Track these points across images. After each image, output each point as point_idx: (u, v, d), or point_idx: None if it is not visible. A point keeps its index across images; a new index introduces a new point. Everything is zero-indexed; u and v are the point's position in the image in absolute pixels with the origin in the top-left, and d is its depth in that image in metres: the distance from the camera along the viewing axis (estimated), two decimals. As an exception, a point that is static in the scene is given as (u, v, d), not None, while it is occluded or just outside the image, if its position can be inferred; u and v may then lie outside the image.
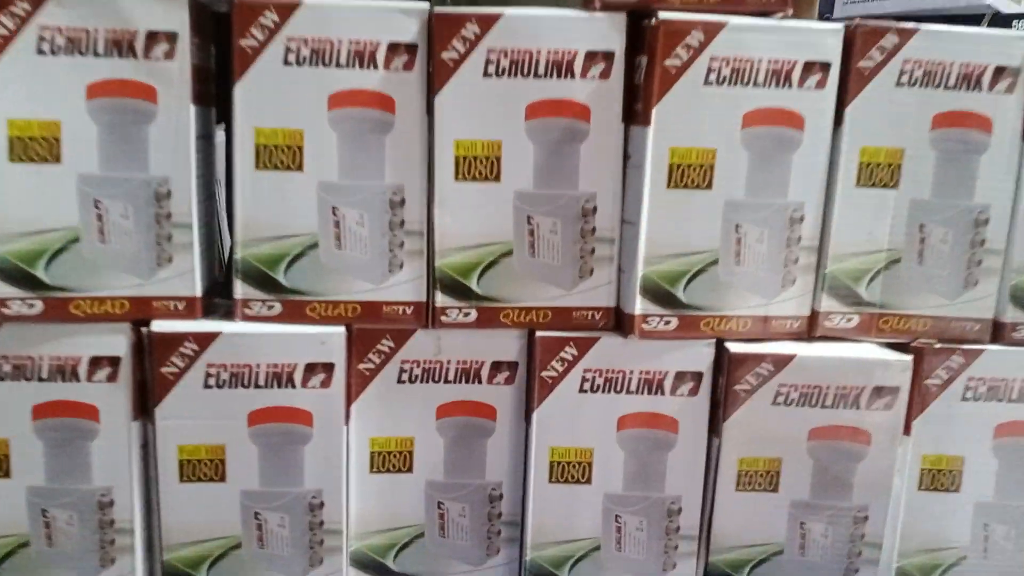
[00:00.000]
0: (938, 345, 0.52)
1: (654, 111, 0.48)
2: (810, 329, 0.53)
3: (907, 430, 0.53)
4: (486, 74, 0.48)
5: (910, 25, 0.48)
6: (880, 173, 0.50)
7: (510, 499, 0.55)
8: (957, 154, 0.50)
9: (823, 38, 0.48)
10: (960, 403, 0.52)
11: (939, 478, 0.54)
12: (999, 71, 0.49)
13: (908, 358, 0.51)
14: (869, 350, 0.52)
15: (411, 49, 0.48)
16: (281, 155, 0.49)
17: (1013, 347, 0.52)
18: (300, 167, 0.49)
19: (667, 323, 0.51)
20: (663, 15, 0.47)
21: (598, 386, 0.52)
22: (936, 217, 0.50)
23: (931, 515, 0.54)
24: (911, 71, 0.49)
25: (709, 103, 0.48)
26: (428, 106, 0.49)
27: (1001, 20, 1.15)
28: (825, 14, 1.39)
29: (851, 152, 0.50)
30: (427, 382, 0.53)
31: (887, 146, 0.50)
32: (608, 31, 0.48)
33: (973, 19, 1.19)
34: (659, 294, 0.51)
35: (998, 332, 0.53)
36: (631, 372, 0.52)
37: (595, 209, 0.51)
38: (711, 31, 0.47)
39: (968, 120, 0.49)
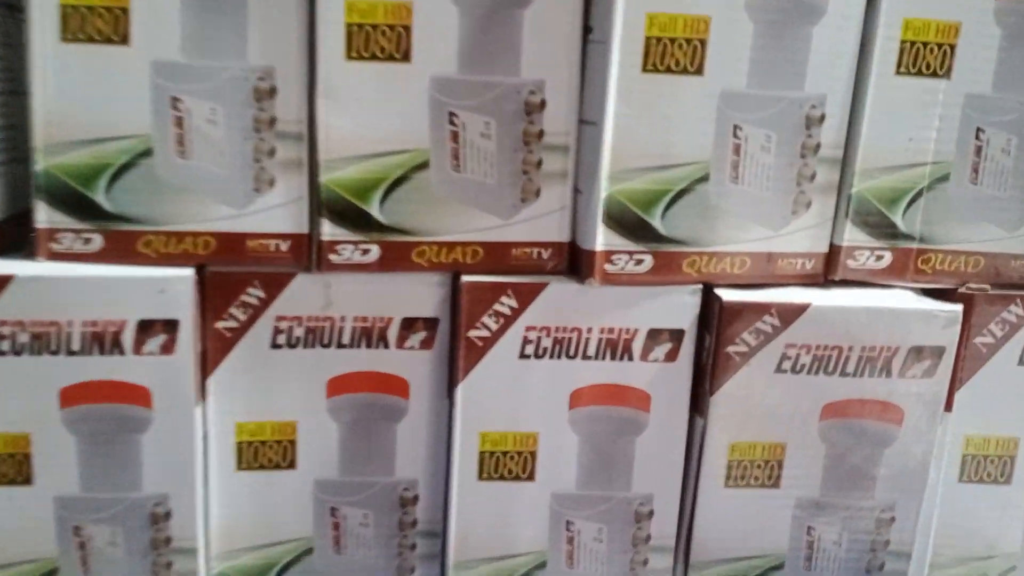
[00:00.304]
0: (992, 291, 0.40)
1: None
2: (828, 270, 0.40)
3: (948, 404, 0.40)
4: None
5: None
6: (928, 57, 0.37)
7: (428, 502, 0.42)
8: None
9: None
10: (1017, 368, 0.40)
11: (986, 466, 0.41)
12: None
13: (957, 308, 0.38)
14: (905, 298, 0.39)
15: None
16: (98, 21, 0.34)
17: (1089, 294, 0.40)
18: (125, 39, 0.35)
19: (638, 263, 0.38)
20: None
21: (545, 349, 0.38)
22: (998, 119, 0.38)
23: (974, 514, 0.42)
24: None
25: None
26: (308, -48, 0.35)
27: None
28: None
29: (891, 26, 0.36)
30: (313, 346, 0.39)
31: (939, 19, 0.37)
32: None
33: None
34: (629, 223, 0.37)
35: (1070, 274, 0.40)
36: (589, 330, 0.38)
37: (543, 104, 0.37)
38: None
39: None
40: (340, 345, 0.39)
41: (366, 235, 0.38)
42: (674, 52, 0.36)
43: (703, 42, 0.36)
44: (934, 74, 0.37)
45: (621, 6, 0.35)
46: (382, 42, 0.36)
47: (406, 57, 0.36)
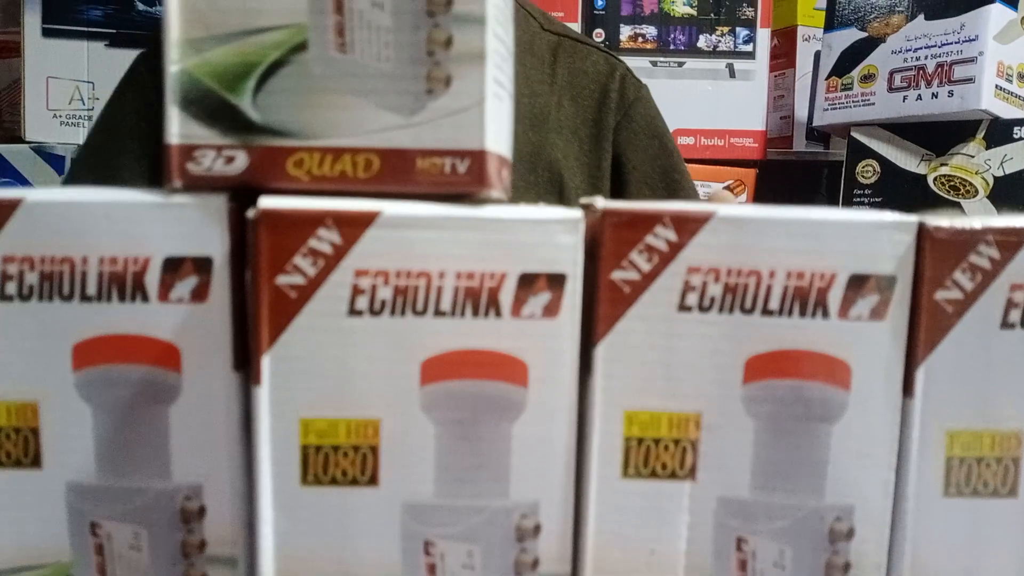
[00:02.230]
0: None
1: (265, 359, 0.29)
2: None
3: None
4: (3, 297, 0.29)
5: (696, 210, 0.28)
6: (662, 455, 0.30)
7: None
8: (791, 423, 0.29)
9: (549, 236, 0.28)
10: None
11: None
12: (857, 282, 0.29)
13: None
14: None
15: None
16: None
17: None
18: None
19: None
20: (268, 201, 0.28)
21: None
22: (763, 527, 0.30)
23: None
24: (701, 288, 0.29)
25: (362, 340, 0.29)
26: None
27: (1000, 129, 1.00)
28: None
29: (611, 420, 0.29)
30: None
31: (672, 411, 0.29)
32: (201, 226, 0.29)
33: (968, 127, 1.04)
34: None
35: None
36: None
37: (201, 511, 0.31)
38: (352, 228, 0.28)
39: (810, 366, 0.29)
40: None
41: None
42: (340, 461, 0.29)
43: (374, 449, 0.29)
44: (673, 475, 0.30)
45: (266, 406, 0.29)
46: (7, 447, 0.30)
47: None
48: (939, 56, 1.08)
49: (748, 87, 1.34)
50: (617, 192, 0.73)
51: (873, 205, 1.17)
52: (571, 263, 0.29)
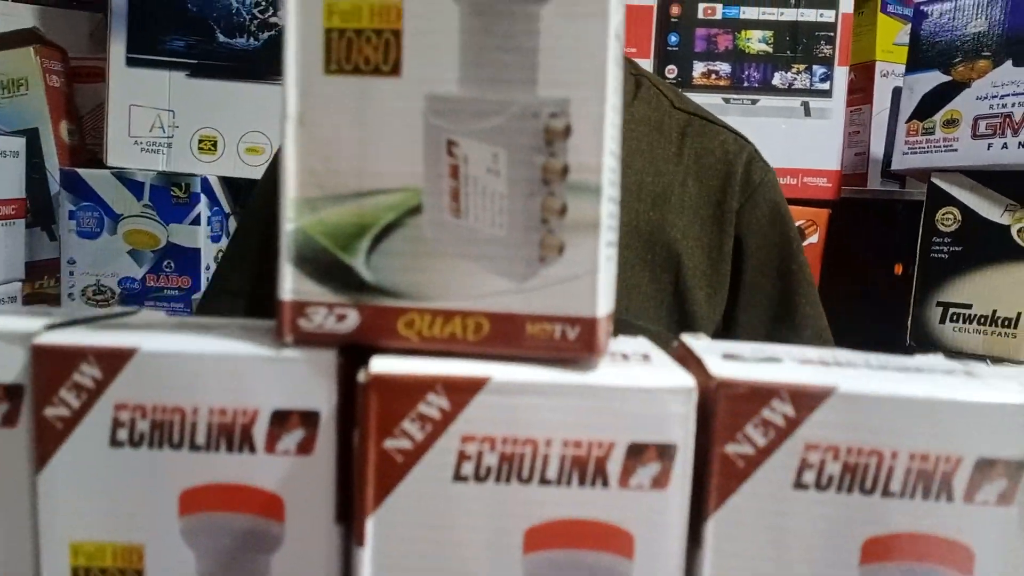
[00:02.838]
0: None
1: (370, 521, 0.28)
2: None
3: None
4: (115, 442, 0.30)
5: (815, 386, 0.27)
6: None
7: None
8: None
9: (660, 406, 0.28)
10: None
11: None
12: (985, 466, 0.27)
13: None
14: None
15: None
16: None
17: None
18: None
19: None
20: (378, 365, 0.28)
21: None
22: None
23: None
24: (819, 465, 0.28)
25: (466, 507, 0.28)
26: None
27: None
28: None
29: (717, 597, 0.28)
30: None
31: (780, 588, 0.28)
32: (310, 381, 0.29)
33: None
34: None
35: None
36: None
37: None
38: (461, 394, 0.28)
39: (931, 551, 0.28)
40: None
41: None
42: None
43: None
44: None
45: (368, 565, 0.29)
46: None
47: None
48: (1027, 104, 1.05)
49: (823, 126, 1.31)
50: (732, 274, 0.72)
51: (952, 254, 1.14)
52: (682, 434, 0.28)
